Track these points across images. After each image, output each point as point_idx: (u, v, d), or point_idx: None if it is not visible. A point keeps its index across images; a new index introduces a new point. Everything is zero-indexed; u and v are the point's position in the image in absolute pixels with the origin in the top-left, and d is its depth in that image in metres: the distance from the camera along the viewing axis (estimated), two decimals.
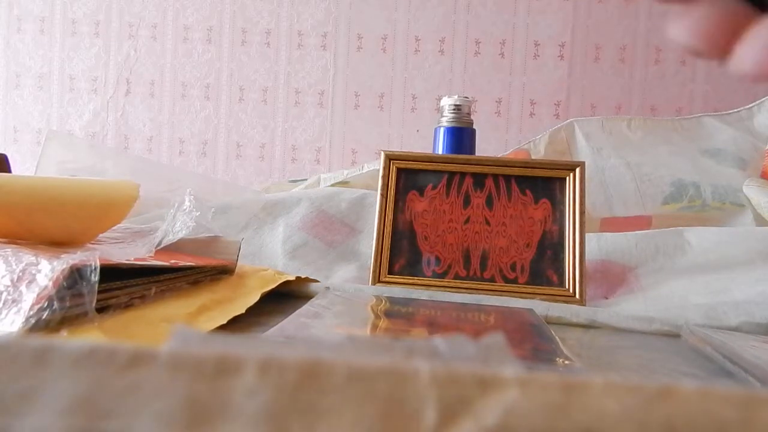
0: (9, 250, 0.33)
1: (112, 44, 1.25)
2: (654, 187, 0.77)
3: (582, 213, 0.56)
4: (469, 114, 0.73)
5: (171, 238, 0.43)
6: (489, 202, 0.58)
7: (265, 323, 0.38)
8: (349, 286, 0.51)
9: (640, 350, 0.38)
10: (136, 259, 0.37)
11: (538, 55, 1.18)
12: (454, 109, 0.72)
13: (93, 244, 0.44)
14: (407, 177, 0.59)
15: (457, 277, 0.56)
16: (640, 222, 0.76)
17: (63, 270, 0.29)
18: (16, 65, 1.27)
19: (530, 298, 0.52)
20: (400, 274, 0.56)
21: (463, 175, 0.59)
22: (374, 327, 0.37)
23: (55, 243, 0.41)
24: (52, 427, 0.11)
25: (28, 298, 0.28)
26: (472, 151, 0.73)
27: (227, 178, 1.23)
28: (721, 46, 0.17)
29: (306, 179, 0.93)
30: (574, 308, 0.47)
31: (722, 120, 0.83)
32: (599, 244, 0.62)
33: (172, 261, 0.39)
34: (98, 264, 0.30)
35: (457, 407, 0.11)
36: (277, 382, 0.12)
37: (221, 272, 0.46)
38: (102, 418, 0.11)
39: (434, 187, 0.59)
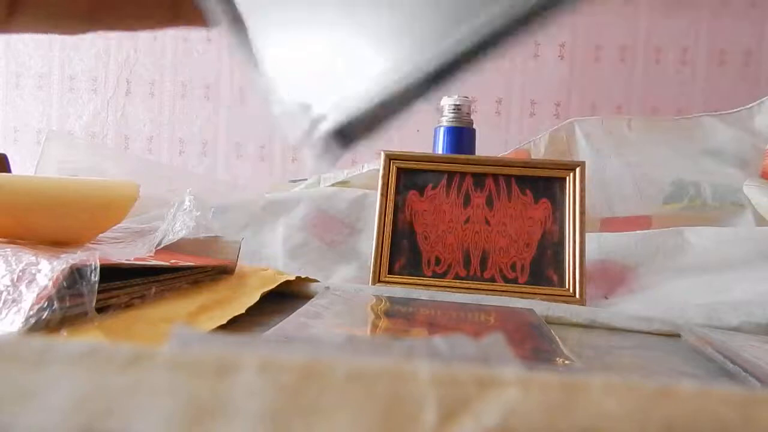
0: (9, 250, 0.33)
1: (112, 44, 1.25)
2: (654, 187, 0.77)
3: (582, 213, 0.56)
4: (469, 114, 0.73)
5: (171, 238, 0.44)
6: (489, 202, 0.58)
7: (265, 323, 0.38)
8: (349, 286, 0.51)
9: (639, 350, 0.38)
10: (136, 259, 0.37)
11: (538, 55, 1.18)
12: (454, 109, 0.72)
13: (93, 244, 0.44)
14: (407, 177, 0.59)
15: (457, 277, 0.56)
16: (640, 222, 0.76)
17: (63, 270, 0.29)
18: (16, 65, 1.27)
19: (530, 298, 0.52)
20: (400, 273, 0.56)
21: (463, 175, 0.59)
22: (374, 327, 0.37)
23: (55, 243, 0.41)
24: (52, 427, 0.11)
25: (28, 298, 0.28)
26: (472, 151, 0.73)
27: (227, 178, 1.23)
28: None
29: (306, 179, 0.93)
30: (574, 308, 0.47)
31: (722, 120, 0.83)
32: (599, 244, 0.62)
33: (172, 261, 0.39)
34: (98, 264, 0.30)
35: (457, 407, 0.11)
36: (277, 382, 0.12)
37: (221, 272, 0.46)
38: (102, 418, 0.11)
39: (434, 187, 0.59)
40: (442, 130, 0.72)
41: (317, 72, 0.15)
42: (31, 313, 0.27)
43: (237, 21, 0.15)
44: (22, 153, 1.25)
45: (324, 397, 0.11)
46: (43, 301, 0.28)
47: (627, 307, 0.50)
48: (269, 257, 0.64)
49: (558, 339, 0.35)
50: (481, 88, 1.18)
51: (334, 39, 0.14)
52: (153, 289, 0.36)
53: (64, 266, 0.29)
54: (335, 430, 0.11)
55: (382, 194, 0.58)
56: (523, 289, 0.54)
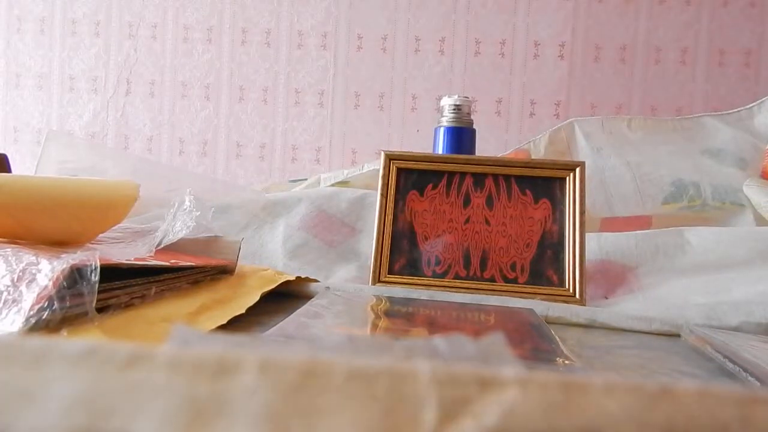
0: (9, 250, 0.33)
1: (112, 44, 1.25)
2: (654, 187, 0.77)
3: (582, 213, 0.56)
4: (469, 114, 0.73)
5: (171, 238, 0.44)
6: (489, 202, 0.58)
7: (265, 323, 0.38)
8: (349, 286, 0.51)
9: (640, 350, 0.38)
10: (136, 259, 0.36)
11: (538, 55, 1.18)
12: (454, 109, 0.72)
13: (93, 244, 0.44)
14: (407, 177, 0.59)
15: (457, 277, 0.56)
16: (640, 222, 0.76)
17: (63, 270, 0.29)
18: (16, 65, 1.27)
19: (530, 298, 0.52)
20: (400, 274, 0.56)
21: (463, 175, 0.59)
22: (374, 327, 0.37)
23: (55, 243, 0.41)
24: (52, 427, 0.11)
25: (28, 298, 0.28)
26: (472, 151, 0.73)
27: (227, 178, 1.23)
28: None
29: (306, 179, 0.93)
30: (574, 308, 0.47)
31: (722, 120, 0.83)
32: (599, 244, 0.62)
33: (172, 261, 0.39)
34: (98, 264, 0.30)
35: (457, 407, 0.11)
36: (277, 382, 0.11)
37: (221, 272, 0.46)
38: (102, 418, 0.11)
39: (434, 187, 0.59)
40: (442, 130, 0.72)
41: None
42: (32, 313, 0.27)
43: None
44: (22, 153, 1.25)
45: (324, 397, 0.11)
46: (43, 301, 0.28)
47: (627, 307, 0.50)
48: (269, 257, 0.64)
49: (558, 339, 0.35)
50: (481, 88, 1.18)
51: None
52: (153, 289, 0.36)
53: (64, 266, 0.29)
54: (335, 430, 0.11)
55: (382, 194, 0.58)
56: (523, 289, 0.54)
